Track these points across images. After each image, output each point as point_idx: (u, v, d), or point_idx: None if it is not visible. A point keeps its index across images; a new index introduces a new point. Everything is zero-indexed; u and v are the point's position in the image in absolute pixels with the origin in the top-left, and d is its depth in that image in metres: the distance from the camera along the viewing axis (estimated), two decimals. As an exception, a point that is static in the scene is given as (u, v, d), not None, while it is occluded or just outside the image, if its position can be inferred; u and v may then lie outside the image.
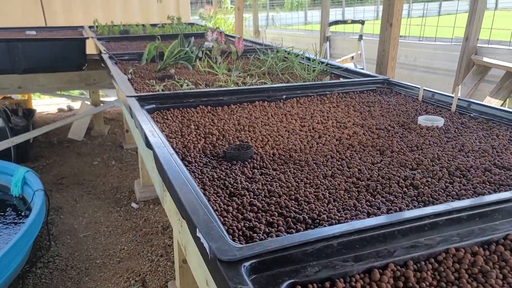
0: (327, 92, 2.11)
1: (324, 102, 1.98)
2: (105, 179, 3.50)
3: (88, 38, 4.05)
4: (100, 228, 2.77)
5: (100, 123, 4.56)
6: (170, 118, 1.73)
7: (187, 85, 2.27)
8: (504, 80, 3.57)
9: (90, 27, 5.23)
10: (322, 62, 2.61)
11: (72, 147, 4.21)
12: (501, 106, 3.52)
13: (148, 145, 1.32)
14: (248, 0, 8.99)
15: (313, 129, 1.60)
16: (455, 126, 1.58)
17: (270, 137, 1.51)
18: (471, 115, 1.71)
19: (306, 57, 2.78)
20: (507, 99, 3.60)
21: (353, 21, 4.36)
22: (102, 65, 3.73)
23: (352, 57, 4.75)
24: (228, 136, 1.52)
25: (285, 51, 2.84)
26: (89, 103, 4.54)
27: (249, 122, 1.69)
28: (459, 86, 3.78)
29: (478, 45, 3.90)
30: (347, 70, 2.55)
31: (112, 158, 3.93)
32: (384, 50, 3.52)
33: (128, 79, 2.42)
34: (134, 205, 3.06)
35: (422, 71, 4.54)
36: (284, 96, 2.03)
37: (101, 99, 5.71)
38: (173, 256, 2.42)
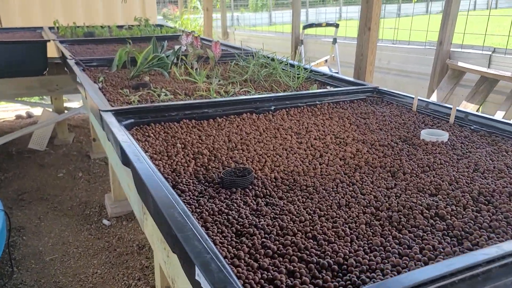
0: (317, 102, 1.99)
1: (316, 114, 1.87)
2: (72, 193, 3.26)
3: (49, 40, 3.78)
4: (68, 249, 2.55)
5: (64, 131, 4.27)
6: (152, 135, 1.56)
7: (165, 95, 2.10)
8: (479, 84, 3.59)
9: (50, 28, 4.92)
10: (306, 69, 2.49)
11: (34, 158, 3.92)
12: (477, 111, 3.53)
13: (136, 175, 1.15)
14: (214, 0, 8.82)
15: (311, 146, 1.47)
16: (460, 141, 1.49)
17: (267, 156, 1.37)
18: (472, 127, 1.64)
19: (289, 64, 2.66)
20: (482, 104, 3.62)
21: (328, 24, 4.29)
22: (66, 69, 3.48)
23: (326, 61, 4.68)
24: (221, 156, 1.37)
25: (267, 56, 2.71)
26: (51, 109, 4.25)
27: (241, 138, 1.54)
28: (454, 96, 3.78)
29: (451, 49, 3.91)
30: (332, 77, 2.44)
31: (78, 169, 3.68)
32: (363, 54, 3.46)
33: (99, 88, 2.22)
34: (105, 222, 2.84)
35: (395, 75, 4.53)
36: (272, 107, 1.90)
37: (65, 104, 5.41)
38: (152, 280, 2.24)
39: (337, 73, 4.40)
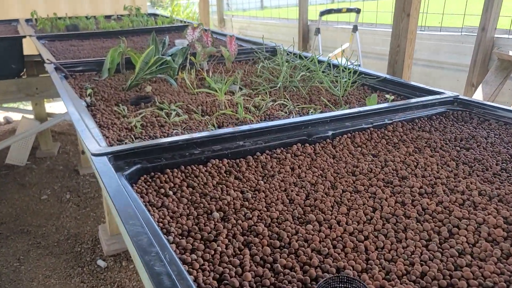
0: (387, 122, 1.46)
1: (392, 141, 1.34)
2: (58, 222, 2.71)
3: (24, 36, 3.18)
4: (56, 306, 2.02)
5: (48, 141, 3.70)
6: (170, 193, 1.02)
7: (176, 114, 1.56)
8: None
9: (27, 20, 4.30)
10: (355, 71, 1.95)
11: (13, 175, 3.35)
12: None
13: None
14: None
15: (424, 211, 0.94)
16: None
17: (367, 239, 0.84)
18: None
19: (330, 64, 2.11)
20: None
21: (348, 10, 3.74)
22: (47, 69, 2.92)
23: (343, 51, 4.13)
24: (289, 239, 0.84)
25: (304, 57, 2.16)
26: (32, 116, 3.67)
27: (306, 196, 1.01)
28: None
29: (496, 35, 3.38)
30: (386, 80, 1.91)
31: (66, 189, 3.12)
32: (399, 45, 2.92)
33: (87, 105, 1.67)
34: (101, 262, 2.31)
35: (424, 66, 4.00)
36: (330, 133, 1.36)
37: (48, 105, 4.81)
38: None
39: (359, 65, 3.87)
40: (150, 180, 1.09)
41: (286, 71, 1.94)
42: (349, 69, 1.96)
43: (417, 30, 4.14)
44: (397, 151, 1.26)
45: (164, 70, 1.93)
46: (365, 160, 1.21)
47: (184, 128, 1.45)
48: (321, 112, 1.60)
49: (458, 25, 3.77)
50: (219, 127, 1.49)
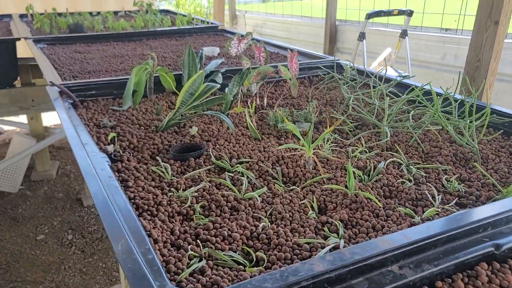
0: None
1: None
2: (59, 276, 2.17)
3: (18, 39, 2.62)
4: None
5: (45, 160, 3.14)
6: None
7: (249, 182, 1.02)
8: None
9: (21, 16, 3.73)
10: (479, 107, 1.42)
11: (3, 205, 2.80)
12: None
13: None
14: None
15: None
16: None
17: None
18: None
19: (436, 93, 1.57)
20: None
21: (400, 12, 3.20)
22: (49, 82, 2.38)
23: (384, 59, 3.60)
24: None
25: (371, 73, 1.62)
26: (26, 131, 3.10)
27: None
28: None
29: None
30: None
31: (67, 226, 2.58)
32: (481, 60, 2.39)
33: (110, 166, 1.13)
34: None
35: (499, 80, 3.46)
36: (503, 246, 0.83)
37: (44, 114, 4.22)
38: None
39: (408, 76, 3.34)
40: None
41: (379, 103, 1.40)
42: (459, 100, 1.42)
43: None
44: None
45: (214, 103, 1.39)
46: None
47: (270, 215, 0.92)
48: (462, 178, 1.07)
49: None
50: (320, 210, 0.95)
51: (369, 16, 3.16)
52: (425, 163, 1.18)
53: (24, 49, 2.85)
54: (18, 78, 2.93)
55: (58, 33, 2.87)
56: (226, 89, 1.45)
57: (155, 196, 0.98)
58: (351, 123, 1.42)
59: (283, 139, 1.32)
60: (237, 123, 1.43)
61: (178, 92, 1.65)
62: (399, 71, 3.45)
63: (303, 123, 1.42)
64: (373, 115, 1.41)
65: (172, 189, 1.02)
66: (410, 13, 3.25)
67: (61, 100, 1.50)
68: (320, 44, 5.19)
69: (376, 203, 0.94)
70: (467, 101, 1.38)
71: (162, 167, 1.12)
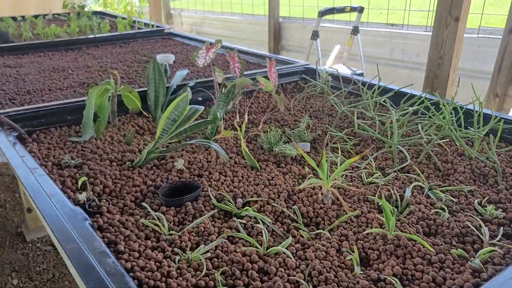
0: None
1: None
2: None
3: None
4: None
5: (-27, 191, 2.72)
6: None
7: (268, 230, 0.85)
8: None
9: None
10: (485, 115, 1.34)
11: None
12: None
13: None
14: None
15: None
16: None
17: None
18: None
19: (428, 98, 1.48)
20: None
21: (352, 9, 3.14)
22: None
23: (337, 56, 3.55)
24: None
25: (356, 81, 1.49)
26: None
27: None
28: None
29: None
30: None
31: (10, 268, 2.24)
32: (443, 57, 2.38)
33: (84, 209, 0.89)
34: None
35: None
36: None
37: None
38: None
39: (362, 73, 3.31)
40: None
41: (377, 116, 1.27)
42: (461, 107, 1.34)
43: (421, 31, 3.66)
44: None
45: (200, 128, 1.19)
46: None
47: (310, 276, 0.75)
48: (491, 200, 0.97)
49: (473, 26, 3.33)
50: (361, 260, 0.81)
51: (322, 13, 3.07)
52: (445, 183, 1.07)
53: None
54: None
55: (-22, 44, 2.47)
56: (211, 110, 1.26)
57: (158, 264, 0.78)
58: (348, 138, 1.29)
59: (283, 165, 1.16)
60: (224, 148, 1.24)
61: (144, 112, 1.43)
62: (352, 68, 3.41)
63: (298, 143, 1.27)
64: (374, 129, 1.29)
65: (176, 249, 0.82)
66: (361, 10, 3.21)
67: (3, 135, 1.22)
68: (264, 42, 5.07)
69: (425, 247, 0.81)
70: (476, 110, 1.30)
71: (154, 218, 0.91)
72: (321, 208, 0.95)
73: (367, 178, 1.07)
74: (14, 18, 3.34)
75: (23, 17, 3.41)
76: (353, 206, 0.96)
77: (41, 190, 0.94)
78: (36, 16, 3.50)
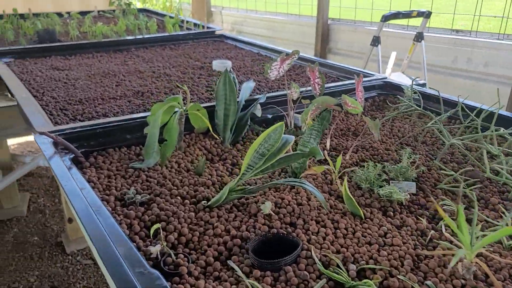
0: None
1: None
2: None
3: (-23, 52, 2.09)
4: None
5: (13, 194, 2.61)
6: None
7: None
8: None
9: (-25, 18, 3.13)
10: None
11: (-37, 256, 2.27)
12: None
13: None
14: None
15: None
16: None
17: None
18: None
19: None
20: None
21: (419, 13, 2.88)
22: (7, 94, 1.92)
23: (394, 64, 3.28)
24: None
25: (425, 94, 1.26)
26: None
27: None
28: None
29: None
30: None
31: (48, 282, 2.11)
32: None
33: (161, 269, 0.70)
34: None
35: (499, 82, 3.22)
36: None
37: (11, 142, 3.62)
38: None
39: (425, 84, 3.04)
40: None
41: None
42: None
43: (493, 38, 3.36)
44: None
45: (289, 163, 0.98)
46: None
47: None
48: None
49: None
50: None
51: (386, 18, 2.82)
52: None
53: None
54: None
55: (26, 42, 2.34)
56: (301, 141, 1.05)
57: None
58: (456, 175, 1.06)
59: (391, 213, 0.94)
60: (313, 185, 1.04)
61: (212, 133, 1.23)
62: (411, 77, 3.14)
63: (401, 181, 1.05)
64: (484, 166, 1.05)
65: None
66: (428, 15, 2.94)
67: (59, 157, 1.05)
68: (309, 44, 4.83)
69: None
70: None
71: (247, 287, 0.71)
72: (463, 286, 0.73)
73: (507, 241, 0.85)
74: (59, 14, 3.22)
75: (68, 13, 3.30)
76: (506, 285, 0.73)
77: (104, 239, 0.76)
78: (82, 13, 3.38)
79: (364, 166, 1.09)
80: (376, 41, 2.97)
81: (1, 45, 2.29)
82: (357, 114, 1.48)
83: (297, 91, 1.39)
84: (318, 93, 1.36)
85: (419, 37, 3.03)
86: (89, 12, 3.47)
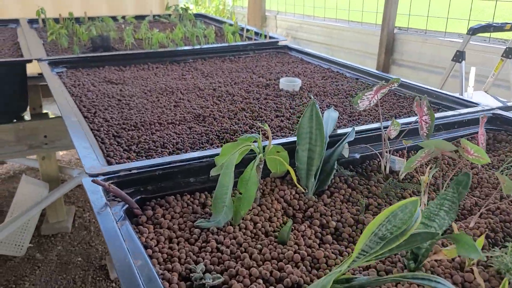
0: None
1: None
2: None
3: (30, 61, 1.97)
4: None
5: (58, 208, 2.49)
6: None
7: None
8: None
9: (30, 21, 3.07)
10: None
11: (5, 275, 2.15)
12: None
13: None
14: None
15: None
16: None
17: None
18: None
19: None
20: None
21: (512, 27, 2.54)
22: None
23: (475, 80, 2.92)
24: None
25: None
26: (35, 168, 2.46)
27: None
28: None
29: None
30: None
31: (91, 314, 1.94)
32: None
33: None
34: None
35: None
36: None
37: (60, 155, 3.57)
38: None
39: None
40: None
41: None
42: None
43: None
44: None
45: (411, 247, 0.72)
46: None
47: None
48: None
49: None
50: None
51: (474, 31, 2.48)
52: None
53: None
54: (28, 108, 2.28)
55: (79, 50, 2.20)
56: (425, 210, 0.79)
57: None
58: None
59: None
60: (438, 273, 0.77)
61: (296, 183, 0.99)
62: (497, 97, 2.78)
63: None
64: None
65: None
66: (520, 28, 2.57)
67: (109, 212, 0.84)
68: (370, 54, 4.52)
69: None
70: None
71: None
72: None
73: None
74: (114, 18, 3.10)
75: (123, 17, 3.17)
76: None
77: None
78: (137, 17, 3.25)
79: (505, 245, 0.81)
80: (460, 56, 2.63)
81: (54, 53, 2.16)
82: (474, 163, 1.19)
83: (397, 129, 1.13)
84: (425, 134, 1.09)
85: (509, 53, 2.66)
86: (144, 16, 3.34)
